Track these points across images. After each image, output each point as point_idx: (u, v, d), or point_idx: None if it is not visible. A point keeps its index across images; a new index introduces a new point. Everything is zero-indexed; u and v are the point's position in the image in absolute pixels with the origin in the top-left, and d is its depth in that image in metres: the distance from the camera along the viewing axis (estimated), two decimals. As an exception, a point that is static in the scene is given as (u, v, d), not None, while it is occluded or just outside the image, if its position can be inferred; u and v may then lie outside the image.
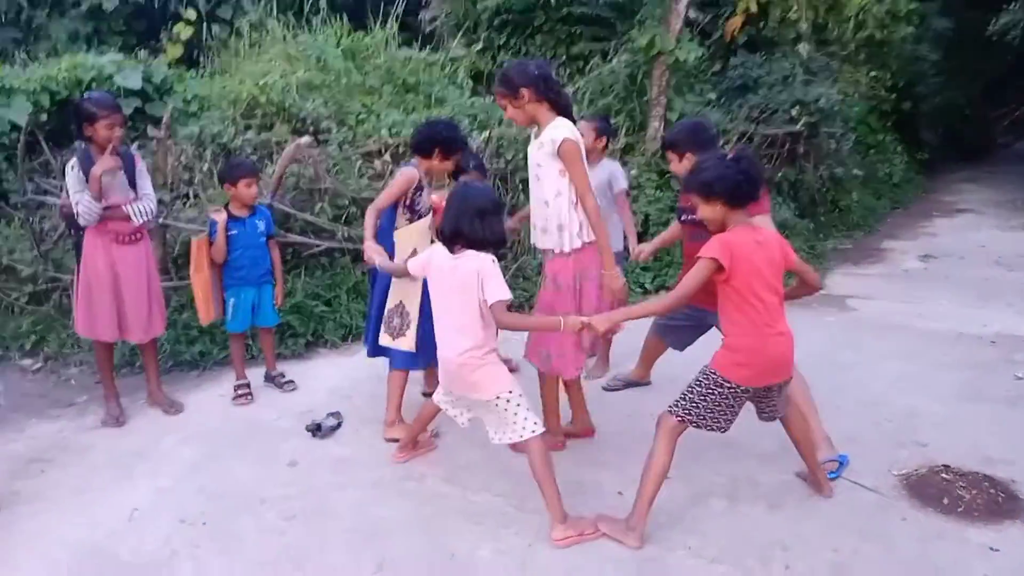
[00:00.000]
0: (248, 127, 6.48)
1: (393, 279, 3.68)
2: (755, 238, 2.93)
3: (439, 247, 3.13)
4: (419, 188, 3.83)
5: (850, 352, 5.10)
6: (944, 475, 3.51)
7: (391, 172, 6.30)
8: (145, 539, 3.11)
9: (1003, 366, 4.96)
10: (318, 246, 5.72)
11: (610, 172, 4.59)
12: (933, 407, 4.29)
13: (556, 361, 3.57)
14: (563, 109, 3.41)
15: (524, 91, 3.34)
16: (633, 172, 7.06)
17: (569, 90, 8.06)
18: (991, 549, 2.98)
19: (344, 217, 5.86)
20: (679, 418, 3.00)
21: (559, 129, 3.32)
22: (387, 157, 6.51)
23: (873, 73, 13.22)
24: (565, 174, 3.36)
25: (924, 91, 15.11)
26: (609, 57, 8.41)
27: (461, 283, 2.99)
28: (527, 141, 6.53)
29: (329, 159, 6.07)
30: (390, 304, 3.77)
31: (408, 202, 3.80)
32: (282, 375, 4.66)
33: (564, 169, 3.35)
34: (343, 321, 5.44)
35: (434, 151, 3.82)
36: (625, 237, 4.64)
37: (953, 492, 3.36)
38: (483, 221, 2.99)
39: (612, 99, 7.89)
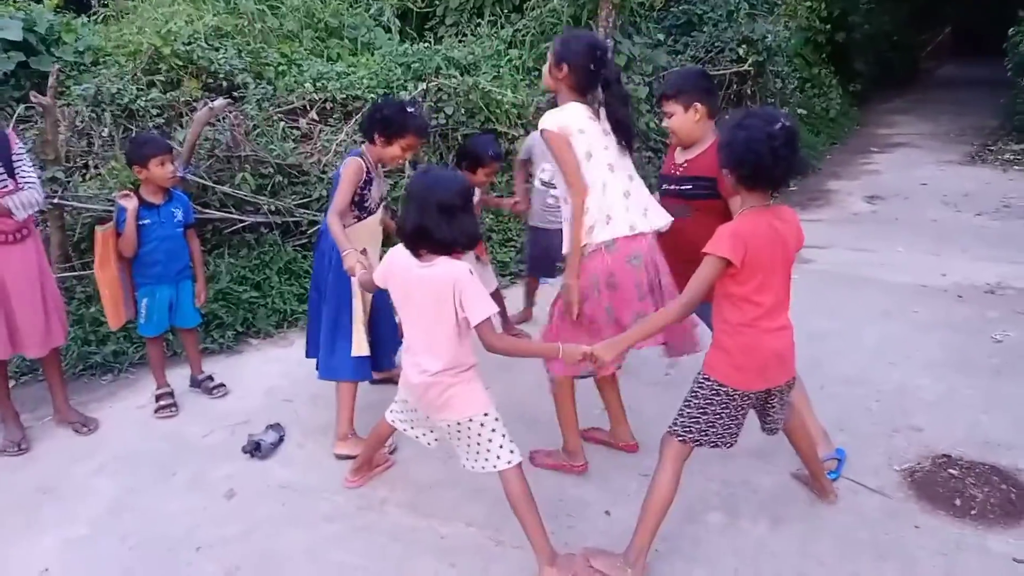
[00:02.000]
0: (152, 84, 5.71)
1: (353, 282, 3.16)
2: (772, 222, 2.49)
3: (399, 250, 2.63)
4: (367, 181, 3.30)
5: (823, 318, 4.85)
6: (950, 469, 3.26)
7: (320, 133, 5.68)
8: (58, 612, 2.62)
9: (978, 326, 4.80)
10: (242, 221, 5.10)
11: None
12: (920, 380, 4.07)
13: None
14: (612, 115, 2.99)
15: (566, 67, 2.94)
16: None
17: (507, 31, 7.49)
18: (1015, 560, 2.74)
19: (269, 187, 5.23)
20: (680, 438, 2.63)
21: (544, 120, 2.94)
22: (313, 115, 5.87)
23: (808, 3, 12.96)
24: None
25: (856, 20, 14.93)
26: (549, -6, 7.80)
27: (432, 297, 2.51)
28: (468, 93, 6.11)
29: (248, 121, 5.40)
30: (359, 317, 3.30)
31: (355, 198, 3.27)
32: (210, 378, 4.11)
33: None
34: (276, 306, 4.89)
35: (374, 135, 3.31)
36: None
37: (964, 491, 3.11)
38: (450, 217, 2.48)
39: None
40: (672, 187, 3.26)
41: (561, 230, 3.55)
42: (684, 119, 3.13)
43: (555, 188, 4.06)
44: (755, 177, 2.45)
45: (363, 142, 3.45)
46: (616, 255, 2.93)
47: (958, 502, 3.06)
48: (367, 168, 3.31)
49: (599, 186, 2.94)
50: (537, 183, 4.50)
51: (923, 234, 6.99)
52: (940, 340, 4.58)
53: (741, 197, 2.56)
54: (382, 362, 3.60)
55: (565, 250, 2.98)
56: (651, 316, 2.63)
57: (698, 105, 3.10)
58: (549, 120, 2.93)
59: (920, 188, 8.93)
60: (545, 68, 3.04)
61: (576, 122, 2.92)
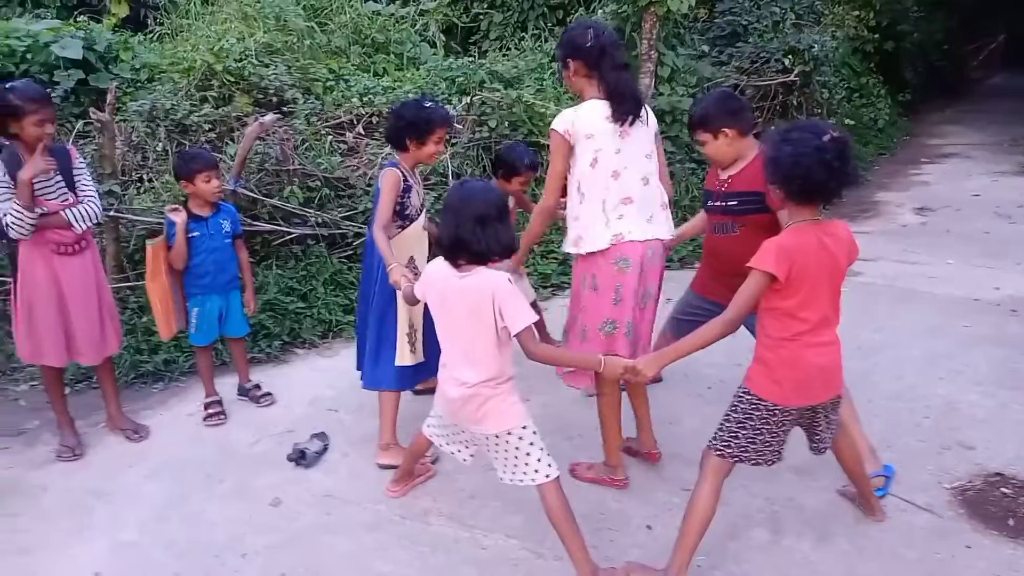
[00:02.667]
0: (204, 100, 5.87)
1: (398, 296, 3.22)
2: (821, 238, 2.44)
3: (438, 262, 2.66)
4: (406, 189, 3.34)
5: (871, 331, 4.77)
6: (1003, 488, 3.18)
7: (366, 146, 5.77)
8: (110, 613, 2.69)
9: (1032, 342, 4.66)
10: (289, 234, 5.20)
11: None
12: (970, 396, 3.97)
13: (566, 375, 3.23)
14: (611, 91, 2.97)
15: (571, 63, 3.03)
16: None
17: (550, 45, 7.52)
18: (1071, 583, 2.66)
19: (317, 200, 5.33)
20: (719, 453, 2.61)
21: (558, 117, 3.03)
22: (360, 129, 5.96)
23: (856, 12, 12.79)
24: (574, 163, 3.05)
25: (905, 29, 14.66)
26: (592, 7, 7.82)
27: (471, 307, 2.54)
28: (512, 106, 6.15)
29: (296, 135, 5.51)
30: (403, 328, 3.35)
31: (396, 207, 3.31)
32: (257, 387, 4.19)
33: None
34: (321, 316, 4.97)
35: (406, 142, 3.36)
36: None
37: (1017, 511, 3.03)
38: (486, 228, 2.52)
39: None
40: (718, 203, 3.24)
41: None
42: (717, 145, 3.14)
43: None
44: (806, 191, 2.41)
45: (392, 153, 3.50)
46: (605, 257, 3.01)
47: (1011, 522, 2.98)
48: (404, 176, 3.35)
49: (598, 197, 2.99)
50: None
51: (975, 246, 6.82)
52: (991, 355, 4.47)
53: (788, 211, 2.53)
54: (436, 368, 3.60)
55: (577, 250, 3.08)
56: (697, 331, 2.60)
57: (726, 130, 3.09)
58: (559, 120, 3.00)
59: (972, 199, 8.72)
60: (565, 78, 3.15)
61: (586, 126, 2.96)
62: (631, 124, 3.00)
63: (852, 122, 10.37)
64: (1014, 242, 6.88)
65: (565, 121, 2.99)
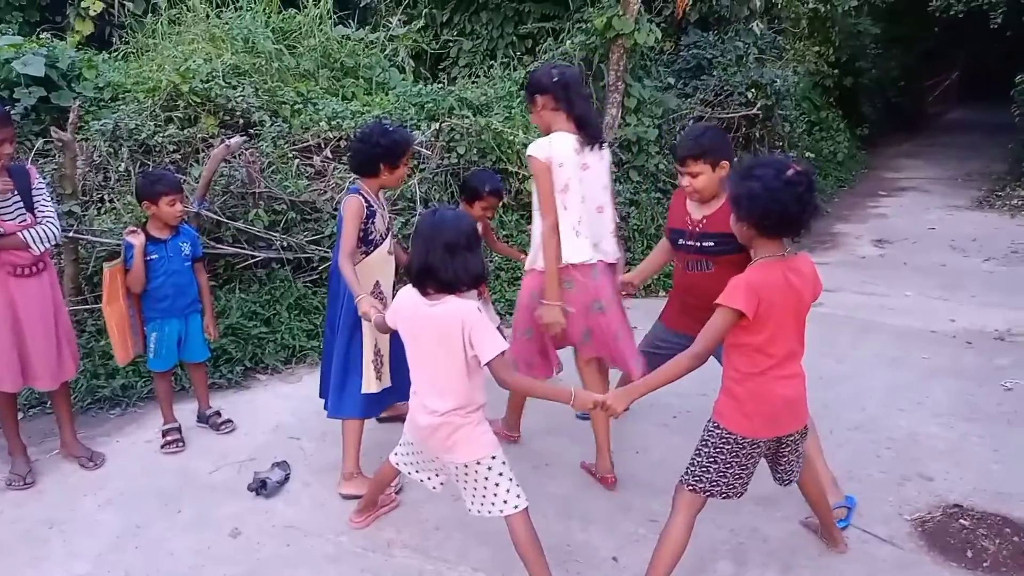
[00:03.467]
0: (170, 120, 5.79)
1: (364, 323, 3.19)
2: (787, 275, 2.47)
3: (407, 290, 2.65)
4: (369, 215, 3.32)
5: (833, 362, 4.85)
6: (961, 520, 3.23)
7: (333, 170, 5.74)
8: (59, 650, 2.59)
9: (987, 373, 4.77)
10: (254, 257, 5.14)
11: None
12: (930, 428, 4.04)
13: (523, 371, 3.40)
14: (579, 120, 3.30)
15: (539, 98, 3.31)
16: None
17: (520, 74, 7.59)
18: (1029, 615, 2.70)
19: (282, 223, 5.28)
20: (691, 488, 2.61)
21: (532, 146, 3.27)
22: (327, 152, 5.93)
23: (816, 48, 13.13)
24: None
25: (864, 65, 15.08)
26: (561, 38, 7.92)
27: (440, 336, 2.52)
28: (480, 133, 6.18)
29: (263, 158, 5.46)
30: (369, 355, 3.32)
31: (360, 233, 3.29)
32: (217, 414, 4.11)
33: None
34: (285, 342, 4.90)
35: (378, 167, 3.35)
36: None
37: (975, 543, 3.08)
38: (455, 257, 2.52)
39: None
40: (692, 243, 3.22)
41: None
42: (711, 179, 3.10)
43: None
44: (780, 226, 2.43)
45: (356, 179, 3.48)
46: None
47: (970, 553, 3.02)
48: (368, 202, 3.32)
49: (563, 221, 3.24)
50: None
51: (931, 278, 6.98)
52: (949, 387, 4.56)
53: (756, 247, 2.53)
54: (402, 394, 3.55)
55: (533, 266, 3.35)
56: (666, 365, 2.60)
57: (726, 163, 3.09)
58: (536, 148, 3.24)
59: (928, 232, 8.94)
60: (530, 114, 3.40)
61: (558, 155, 3.21)
62: (593, 150, 3.32)
63: (812, 155, 10.60)
64: (968, 275, 7.06)
65: (543, 148, 3.23)
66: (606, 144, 3.44)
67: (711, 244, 3.16)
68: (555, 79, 3.24)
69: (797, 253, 2.55)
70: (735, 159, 3.20)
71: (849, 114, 14.77)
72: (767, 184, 2.37)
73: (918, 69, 19.94)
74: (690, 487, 2.60)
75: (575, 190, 3.23)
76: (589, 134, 3.30)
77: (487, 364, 2.50)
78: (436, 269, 2.51)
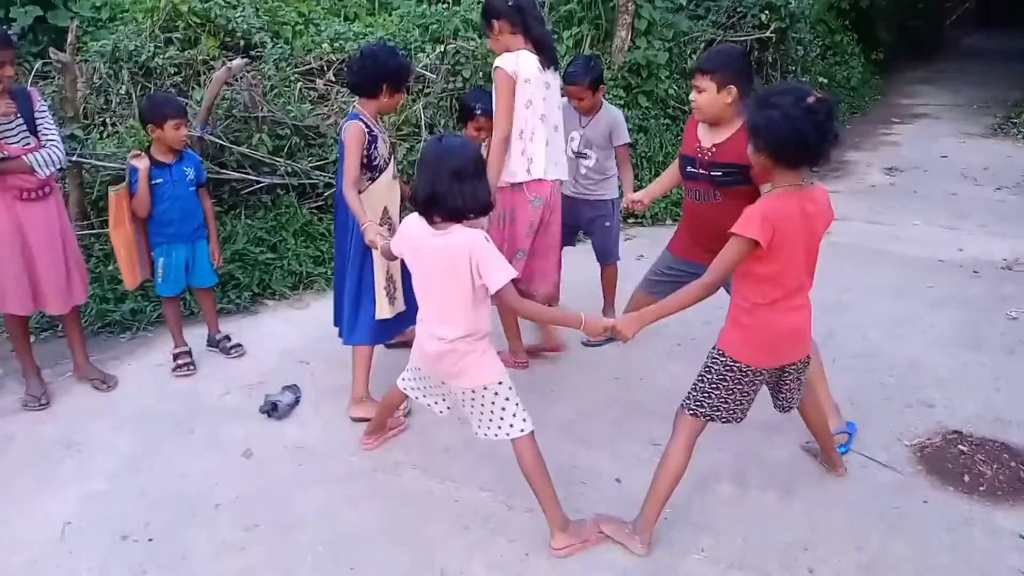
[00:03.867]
0: (169, 42, 5.68)
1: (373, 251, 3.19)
2: (802, 205, 2.42)
3: (412, 218, 2.63)
4: (371, 140, 3.27)
5: (838, 291, 4.84)
6: (960, 446, 3.28)
7: (337, 94, 5.66)
8: (80, 564, 2.67)
9: (993, 303, 4.78)
10: (258, 183, 5.10)
11: (610, 123, 4.06)
12: (932, 356, 4.07)
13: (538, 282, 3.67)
14: (537, 42, 3.46)
15: (496, 23, 3.44)
16: None
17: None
18: (1021, 536, 2.77)
19: (286, 148, 5.23)
20: (692, 412, 2.65)
21: (500, 58, 3.41)
22: (330, 75, 5.83)
23: (832, -34, 12.69)
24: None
25: (882, -15, 14.61)
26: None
27: (447, 266, 2.51)
28: (487, 56, 6.05)
29: (265, 81, 5.37)
30: (381, 281, 3.33)
31: (363, 160, 3.25)
32: (227, 338, 4.15)
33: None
34: (291, 268, 4.90)
35: (381, 88, 3.28)
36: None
37: (973, 467, 3.13)
38: (462, 184, 2.47)
39: (575, 4, 7.20)
40: (700, 171, 3.14)
41: (591, 201, 4.27)
42: (715, 98, 2.98)
43: (586, 159, 4.09)
44: (799, 156, 2.37)
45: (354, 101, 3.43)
46: (520, 194, 3.52)
47: (967, 478, 3.08)
48: (368, 127, 3.27)
49: (529, 133, 3.46)
50: (569, 152, 4.44)
51: (941, 208, 6.92)
52: (954, 316, 4.57)
53: (774, 177, 2.46)
54: (413, 319, 3.57)
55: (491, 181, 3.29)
56: (676, 294, 2.61)
57: (733, 88, 2.95)
58: (504, 60, 3.38)
59: (940, 161, 8.81)
60: (487, 40, 3.53)
61: (526, 71, 3.38)
62: (550, 71, 3.50)
63: (825, 80, 10.36)
64: (978, 204, 6.99)
65: (510, 62, 3.37)
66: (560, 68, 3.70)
67: (719, 174, 3.08)
68: (510, 3, 3.37)
69: (814, 183, 2.50)
70: (750, 87, 3.07)
71: (864, 38, 14.36)
72: (786, 112, 2.30)
73: (936, -9, 19.34)
74: (691, 411, 2.64)
75: (538, 107, 3.43)
76: (548, 56, 3.49)
77: (496, 293, 2.50)
78: (444, 197, 2.48)
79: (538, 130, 3.47)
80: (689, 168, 3.20)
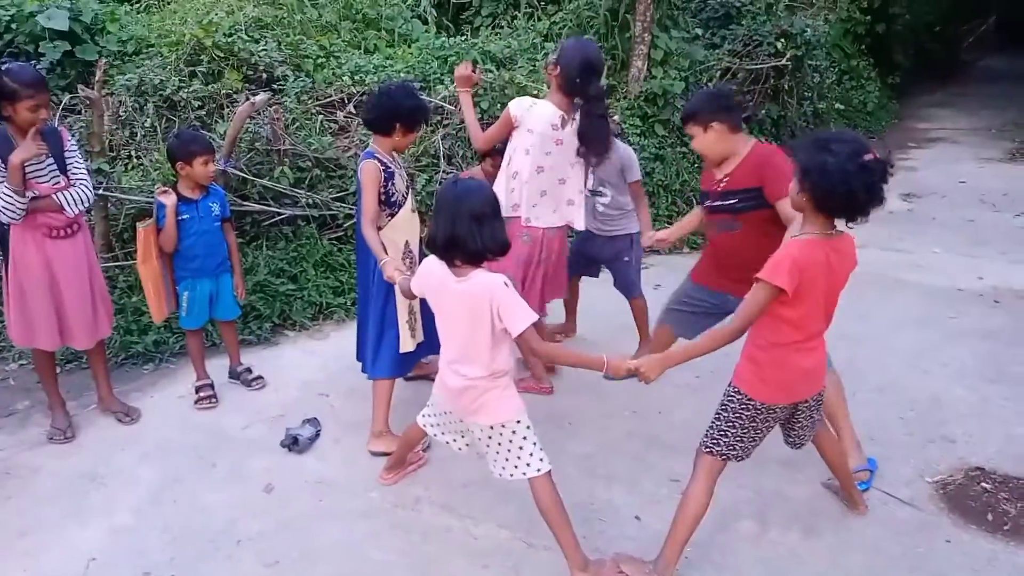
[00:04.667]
0: (193, 75, 5.80)
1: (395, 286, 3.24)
2: (828, 254, 2.42)
3: (433, 261, 2.66)
4: (388, 176, 3.32)
5: (857, 321, 4.81)
6: (983, 483, 3.26)
7: (357, 126, 5.73)
8: (105, 600, 2.71)
9: (1015, 334, 4.74)
10: (280, 214, 5.17)
11: (621, 160, 4.08)
12: (955, 391, 4.05)
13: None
14: (583, 123, 3.63)
15: (559, 68, 3.54)
16: (616, 118, 6.56)
17: (544, 24, 7.47)
18: (1047, 578, 2.74)
19: (307, 180, 5.29)
20: (709, 451, 2.65)
21: (517, 100, 3.66)
22: (351, 107, 5.91)
23: (849, -7, 12.73)
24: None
25: (897, 10, 14.62)
26: (586, -12, 7.76)
27: (469, 310, 2.54)
28: (504, 88, 6.12)
29: (287, 114, 5.45)
30: (404, 316, 3.38)
31: (381, 196, 3.30)
32: (248, 370, 4.20)
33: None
34: (311, 299, 4.95)
35: (394, 127, 3.33)
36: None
37: (997, 506, 3.11)
38: (481, 227, 2.50)
39: (592, 35, 7.27)
40: (717, 203, 3.27)
41: (611, 237, 4.32)
42: (705, 139, 3.20)
43: (602, 196, 4.13)
44: (842, 208, 2.35)
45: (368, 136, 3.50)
46: (513, 225, 3.52)
47: (991, 517, 3.05)
48: (384, 164, 3.32)
49: (523, 177, 3.59)
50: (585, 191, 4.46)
51: (960, 234, 6.89)
52: (975, 348, 4.54)
53: (805, 216, 2.45)
54: (430, 348, 3.56)
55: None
56: (703, 337, 2.66)
57: (715, 124, 3.15)
58: (516, 104, 3.58)
59: (958, 186, 8.77)
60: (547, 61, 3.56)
61: (532, 122, 3.52)
62: (567, 128, 3.57)
63: (841, 106, 10.37)
64: (998, 231, 6.95)
65: (521, 107, 3.55)
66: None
67: (735, 201, 3.19)
68: (581, 76, 3.47)
69: (842, 233, 2.47)
70: (738, 113, 3.24)
71: (880, 62, 14.36)
72: (842, 163, 2.26)
73: (953, 15, 19.31)
74: (707, 450, 2.65)
75: (537, 158, 3.56)
76: (588, 144, 3.62)
77: (517, 338, 2.52)
78: (463, 240, 2.50)
79: (532, 179, 3.60)
80: (707, 202, 3.32)
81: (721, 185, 3.22)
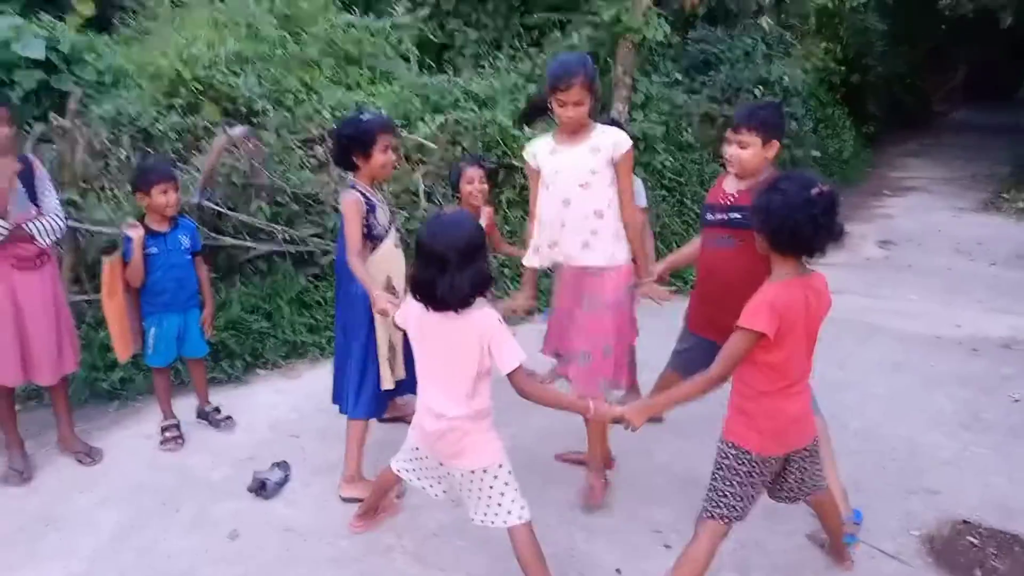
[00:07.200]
0: (171, 107, 5.73)
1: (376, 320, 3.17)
2: (807, 294, 2.41)
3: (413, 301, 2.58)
4: (370, 208, 3.25)
5: (836, 368, 4.79)
6: (969, 537, 3.19)
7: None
8: (54, 654, 2.56)
9: (994, 383, 4.72)
10: (255, 249, 5.08)
11: None
12: (935, 438, 4.00)
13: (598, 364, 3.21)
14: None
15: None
16: (619, 107, 6.58)
17: (526, 66, 7.51)
18: (1036, 637, 2.67)
19: (285, 215, 5.22)
20: (709, 515, 2.56)
21: (621, 135, 3.16)
22: (330, 144, 5.85)
23: (824, 44, 13.01)
24: (615, 183, 3.16)
25: (871, 62, 14.97)
26: (568, 30, 7.83)
27: (454, 344, 2.46)
28: (485, 126, 6.11)
29: (265, 148, 5.39)
30: (384, 352, 3.29)
31: (364, 229, 3.23)
32: (217, 410, 4.07)
33: (615, 177, 3.15)
34: (285, 337, 4.85)
35: (353, 159, 3.28)
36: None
37: (985, 561, 3.04)
38: (462, 272, 2.38)
39: (573, 78, 7.30)
40: (719, 216, 3.11)
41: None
42: (758, 152, 2.96)
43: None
44: (792, 245, 2.37)
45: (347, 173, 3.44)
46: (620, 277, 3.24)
47: (979, 572, 2.99)
48: (365, 196, 3.26)
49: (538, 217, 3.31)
50: None
51: (936, 282, 6.93)
52: (954, 396, 4.52)
53: (773, 260, 2.46)
54: (407, 386, 3.47)
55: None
56: (683, 385, 2.59)
57: (775, 143, 2.97)
58: (526, 150, 3.33)
59: (935, 234, 8.88)
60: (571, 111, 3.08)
61: (536, 160, 3.23)
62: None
63: (818, 153, 10.50)
64: (974, 279, 7.01)
65: (527, 153, 3.32)
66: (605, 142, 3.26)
67: (738, 215, 3.01)
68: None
69: (813, 272, 2.49)
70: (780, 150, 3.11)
71: (855, 111, 14.66)
72: (788, 200, 2.31)
73: (925, 67, 19.79)
74: (709, 515, 2.56)
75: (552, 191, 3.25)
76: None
77: (508, 375, 2.44)
78: (450, 289, 2.38)
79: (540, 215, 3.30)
80: (709, 215, 3.17)
81: (732, 199, 3.07)
